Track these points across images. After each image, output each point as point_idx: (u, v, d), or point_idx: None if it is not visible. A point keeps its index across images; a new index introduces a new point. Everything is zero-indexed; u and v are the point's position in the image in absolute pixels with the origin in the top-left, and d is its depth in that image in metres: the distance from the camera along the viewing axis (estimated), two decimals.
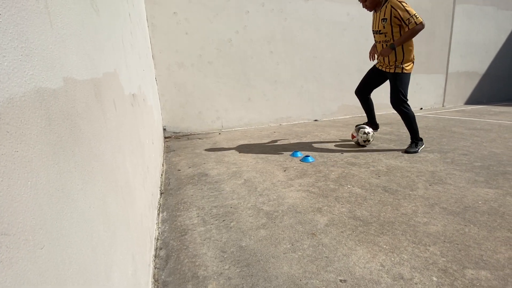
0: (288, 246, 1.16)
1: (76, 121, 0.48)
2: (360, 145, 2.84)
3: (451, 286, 0.91)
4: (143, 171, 1.18)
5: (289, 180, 1.97)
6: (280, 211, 1.48)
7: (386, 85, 5.20)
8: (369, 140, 2.80)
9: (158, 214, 1.51)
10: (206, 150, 3.04)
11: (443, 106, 6.77)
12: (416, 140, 2.63)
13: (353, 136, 2.89)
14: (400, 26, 2.33)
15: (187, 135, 4.11)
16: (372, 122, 3.01)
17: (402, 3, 2.26)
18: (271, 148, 3.01)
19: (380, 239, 1.19)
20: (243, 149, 3.01)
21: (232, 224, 1.36)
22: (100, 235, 0.53)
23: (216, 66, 4.16)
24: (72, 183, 0.44)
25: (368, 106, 2.93)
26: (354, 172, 2.10)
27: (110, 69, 0.76)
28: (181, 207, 1.58)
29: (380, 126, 4.05)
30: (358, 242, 1.18)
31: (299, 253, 1.11)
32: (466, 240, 1.15)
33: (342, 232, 1.26)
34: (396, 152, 2.62)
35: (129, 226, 0.78)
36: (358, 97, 2.91)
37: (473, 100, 7.25)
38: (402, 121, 4.34)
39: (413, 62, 2.48)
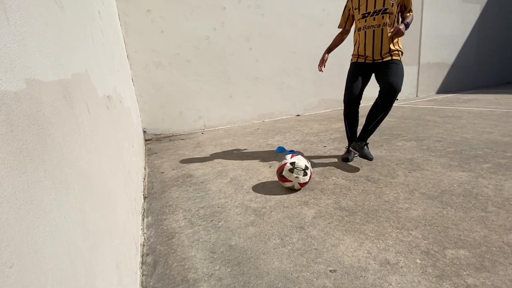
0: (278, 241, 1.16)
1: (44, 126, 0.44)
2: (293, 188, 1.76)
3: (433, 266, 0.95)
4: (123, 176, 1.13)
5: (275, 176, 1.98)
6: (268, 207, 1.48)
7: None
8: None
9: (143, 219, 1.46)
10: (189, 150, 2.98)
11: (416, 96, 7.08)
12: (365, 139, 2.17)
13: (282, 179, 1.69)
14: (401, 9, 2.02)
15: (168, 136, 4.01)
16: (353, 138, 2.26)
17: None
18: (255, 145, 3.01)
19: (366, 227, 1.22)
20: (228, 147, 2.98)
21: (220, 224, 1.34)
22: (79, 247, 0.49)
23: (195, 65, 4.08)
24: (44, 193, 0.41)
25: (356, 118, 2.28)
26: (337, 164, 2.14)
27: (80, 70, 0.72)
28: (167, 211, 1.54)
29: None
30: (345, 231, 1.20)
31: (289, 247, 1.11)
32: (444, 222, 1.21)
33: (329, 223, 1.28)
34: (376, 142, 2.71)
35: (111, 235, 0.75)
36: (350, 107, 2.22)
37: (443, 89, 7.64)
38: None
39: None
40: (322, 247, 1.10)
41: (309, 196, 1.59)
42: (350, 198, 1.52)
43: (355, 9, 2.11)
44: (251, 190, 1.74)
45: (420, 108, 4.81)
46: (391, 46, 2.01)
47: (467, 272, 0.91)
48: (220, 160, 2.51)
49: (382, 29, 1.99)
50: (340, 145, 2.69)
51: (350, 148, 2.26)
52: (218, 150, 2.90)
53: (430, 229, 1.16)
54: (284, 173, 1.63)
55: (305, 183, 1.65)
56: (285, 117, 5.01)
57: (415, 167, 1.92)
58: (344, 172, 1.95)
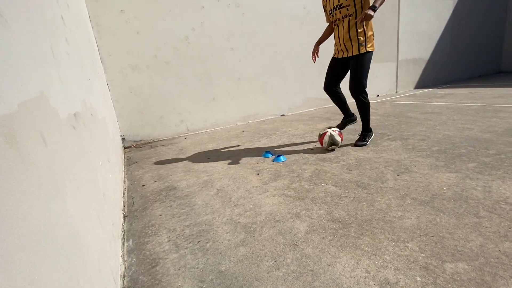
0: (271, 263, 1.09)
1: None
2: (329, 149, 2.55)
3: (434, 284, 0.91)
4: (97, 203, 1.01)
5: (264, 184, 1.91)
6: (258, 222, 1.40)
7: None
8: (335, 143, 2.49)
9: (123, 244, 1.34)
10: (172, 158, 2.84)
11: (396, 91, 7.26)
12: (366, 132, 2.61)
13: (323, 143, 2.53)
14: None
15: (149, 142, 3.83)
16: (347, 115, 2.76)
17: None
18: (241, 149, 2.92)
19: (361, 241, 1.17)
20: (213, 153, 2.87)
21: (208, 245, 1.25)
22: None
23: (174, 67, 3.91)
24: None
25: (339, 100, 2.67)
26: (326, 168, 2.10)
27: (32, 95, 0.60)
28: (149, 232, 1.42)
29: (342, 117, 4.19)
30: (341, 247, 1.15)
31: (283, 270, 1.04)
32: (439, 231, 1.19)
33: (323, 238, 1.22)
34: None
35: (79, 282, 0.64)
36: (327, 93, 2.65)
37: (421, 84, 7.89)
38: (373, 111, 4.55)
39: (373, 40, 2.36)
40: (318, 267, 1.04)
41: (300, 207, 1.53)
42: (342, 207, 1.48)
43: (325, 6, 2.43)
44: (239, 203, 1.65)
45: (401, 105, 4.91)
46: (356, 36, 2.27)
47: None
48: (205, 168, 2.40)
49: (343, 22, 2.29)
50: None
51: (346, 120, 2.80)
52: (203, 156, 2.79)
53: (426, 240, 1.13)
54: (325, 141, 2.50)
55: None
56: (270, 118, 4.95)
57: (403, 170, 1.92)
58: (334, 177, 1.91)
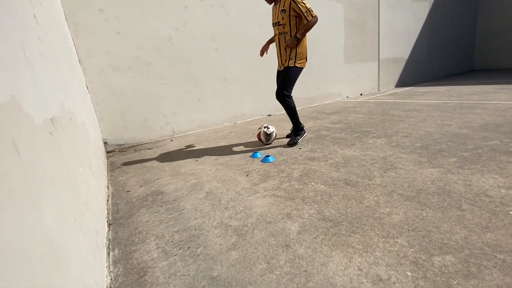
0: (264, 266, 1.07)
1: None
2: (266, 143, 2.92)
3: (424, 278, 0.93)
4: (79, 212, 0.96)
5: (254, 185, 1.89)
6: (249, 225, 1.38)
7: (326, 76, 5.40)
8: (270, 137, 2.88)
9: (108, 254, 1.28)
10: (158, 161, 2.77)
11: (378, 90, 7.47)
12: (298, 130, 2.85)
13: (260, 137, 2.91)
14: (297, 18, 2.48)
15: (133, 146, 3.71)
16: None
17: None
18: (229, 151, 2.88)
19: (353, 239, 1.18)
20: (200, 155, 2.82)
21: (199, 250, 1.22)
22: None
23: (158, 67, 3.81)
24: None
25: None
26: (314, 167, 2.11)
27: (0, 100, 0.55)
28: (136, 239, 1.37)
29: (328, 116, 4.26)
30: (333, 246, 1.15)
31: (277, 273, 1.03)
32: (426, 225, 1.22)
33: (315, 237, 1.22)
34: (348, 141, 2.75)
35: None
36: (279, 101, 2.81)
37: (401, 83, 8.15)
38: (349, 109, 4.65)
39: (306, 59, 2.66)
40: (312, 267, 1.04)
41: (291, 207, 1.52)
42: (332, 206, 1.49)
43: (272, 17, 2.66)
44: (229, 205, 1.63)
45: (384, 103, 5.04)
46: (287, 52, 2.56)
47: (457, 281, 0.90)
48: (193, 171, 2.35)
49: (280, 38, 2.58)
50: (314, 146, 2.68)
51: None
52: (190, 159, 2.73)
53: (414, 235, 1.16)
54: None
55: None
56: (257, 118, 4.94)
57: (389, 166, 1.96)
58: (323, 176, 1.92)
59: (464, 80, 7.76)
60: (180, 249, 1.24)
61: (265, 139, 2.87)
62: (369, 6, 6.62)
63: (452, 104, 4.16)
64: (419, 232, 1.18)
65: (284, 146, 2.82)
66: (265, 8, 4.71)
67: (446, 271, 0.95)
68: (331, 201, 1.54)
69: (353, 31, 6.37)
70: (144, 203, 1.82)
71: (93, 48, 3.31)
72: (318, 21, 2.50)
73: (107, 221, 1.60)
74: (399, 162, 2.02)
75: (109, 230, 1.50)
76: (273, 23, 2.65)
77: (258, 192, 1.76)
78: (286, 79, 2.63)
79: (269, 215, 1.46)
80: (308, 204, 1.54)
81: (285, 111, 2.85)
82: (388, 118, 3.64)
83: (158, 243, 1.31)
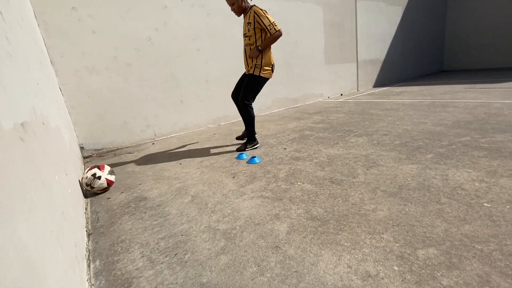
0: (255, 269, 1.06)
1: None
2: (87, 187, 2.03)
3: (411, 272, 0.96)
4: (55, 224, 0.89)
5: (240, 187, 1.87)
6: (238, 227, 1.37)
7: (308, 77, 5.46)
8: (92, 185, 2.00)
9: (89, 266, 1.21)
10: (140, 166, 2.67)
11: (357, 90, 7.70)
12: (251, 140, 2.82)
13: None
14: (262, 31, 2.54)
15: (112, 150, 3.56)
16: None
17: (263, 11, 2.52)
18: (214, 153, 2.84)
19: (341, 237, 1.20)
20: (184, 158, 2.76)
21: (186, 257, 1.18)
22: None
23: (137, 68, 3.69)
24: None
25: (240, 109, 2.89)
26: (300, 167, 2.13)
27: None
28: (119, 249, 1.30)
29: (311, 116, 4.33)
30: (322, 245, 1.16)
31: (268, 275, 1.02)
32: (409, 220, 1.26)
33: (304, 237, 1.22)
34: (331, 140, 2.80)
35: None
36: (233, 101, 2.92)
37: (378, 83, 8.47)
38: (331, 109, 4.75)
39: (272, 70, 2.70)
40: (302, 268, 1.04)
41: (279, 207, 1.52)
42: (319, 204, 1.50)
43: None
44: (216, 208, 1.60)
45: (363, 102, 5.21)
46: (251, 62, 2.65)
47: (441, 273, 0.94)
48: (177, 174, 2.29)
49: (247, 49, 2.67)
50: (299, 146, 2.71)
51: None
52: (174, 162, 2.66)
53: (399, 230, 1.20)
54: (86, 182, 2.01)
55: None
56: (240, 119, 4.92)
57: (371, 164, 2.02)
58: (309, 175, 1.94)
59: (435, 80, 8.20)
60: (166, 256, 1.20)
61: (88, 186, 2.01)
62: (347, 9, 6.82)
63: (426, 103, 4.37)
64: (403, 227, 1.22)
65: (270, 146, 2.83)
66: None
67: (430, 264, 0.98)
68: (318, 200, 1.56)
69: (332, 33, 6.53)
70: (126, 210, 1.74)
71: (67, 49, 3.14)
72: (281, 34, 2.53)
73: (86, 231, 1.51)
74: (380, 160, 2.08)
75: (88, 241, 1.42)
76: (243, 33, 2.72)
77: (245, 194, 1.75)
78: (249, 87, 2.66)
79: (257, 216, 1.45)
80: (296, 204, 1.54)
81: (241, 117, 2.80)
82: (368, 117, 3.76)
83: (143, 252, 1.25)
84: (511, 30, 9.95)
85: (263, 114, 5.24)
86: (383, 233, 1.19)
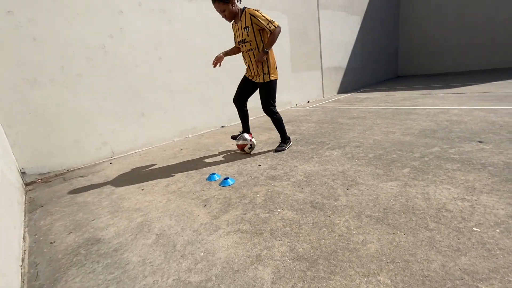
0: None
1: None
2: (247, 152, 2.92)
3: None
4: None
5: (214, 219, 1.65)
6: (213, 278, 1.15)
7: (277, 85, 5.28)
8: (253, 147, 2.90)
9: None
10: (93, 194, 2.31)
11: (323, 97, 7.89)
12: (284, 139, 2.95)
13: (241, 147, 2.90)
14: (261, 32, 2.49)
15: (61, 174, 3.09)
16: (246, 130, 3.09)
17: (257, 10, 2.44)
18: (182, 173, 2.58)
19: (333, 282, 1.06)
20: (147, 181, 2.45)
21: None
22: None
23: (89, 80, 3.28)
24: None
25: (244, 115, 3.01)
26: (278, 188, 1.98)
27: None
28: None
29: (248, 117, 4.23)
30: None
31: None
32: (402, 253, 1.17)
33: (293, 286, 1.06)
34: (305, 154, 2.71)
35: None
36: (236, 106, 2.95)
37: (342, 89, 8.79)
38: (300, 118, 4.73)
39: (277, 69, 2.73)
40: None
41: (260, 245, 1.34)
42: (304, 238, 1.36)
43: (234, 34, 2.66)
44: (187, 251, 1.37)
45: (330, 110, 5.29)
46: (259, 68, 2.58)
47: None
48: (138, 204, 1.99)
49: (250, 54, 2.57)
50: (274, 162, 2.57)
51: (245, 136, 2.93)
52: (135, 187, 2.35)
53: (394, 269, 1.09)
54: (245, 149, 2.90)
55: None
56: (209, 130, 4.68)
57: (350, 182, 1.94)
58: (288, 199, 1.79)
59: (393, 86, 8.75)
60: None
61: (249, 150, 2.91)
62: (310, 17, 6.97)
63: (390, 110, 4.55)
64: (398, 263, 1.11)
65: (244, 162, 2.64)
66: (212, 16, 4.51)
67: None
68: (302, 231, 1.41)
69: (298, 41, 6.60)
70: (74, 259, 1.42)
71: (2, 58, 2.66)
72: (281, 29, 2.48)
73: None
74: (358, 177, 2.02)
75: None
76: (237, 41, 2.62)
77: (220, 228, 1.54)
78: (267, 95, 2.67)
79: (236, 260, 1.25)
80: (278, 238, 1.38)
81: (240, 119, 2.98)
82: (338, 126, 3.78)
83: None
84: (455, 37, 11.10)
85: (233, 124, 5.06)
86: (378, 274, 1.07)
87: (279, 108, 6.09)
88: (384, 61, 11.63)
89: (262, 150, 3.02)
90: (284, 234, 1.41)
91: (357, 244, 1.26)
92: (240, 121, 3.12)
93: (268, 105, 2.70)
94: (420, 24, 11.90)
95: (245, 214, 1.67)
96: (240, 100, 2.89)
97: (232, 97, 2.91)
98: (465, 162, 2.03)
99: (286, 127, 4.16)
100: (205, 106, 4.64)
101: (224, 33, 4.75)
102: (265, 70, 2.59)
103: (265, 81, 2.62)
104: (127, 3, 3.49)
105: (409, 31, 12.32)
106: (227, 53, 2.78)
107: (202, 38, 4.43)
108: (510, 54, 9.98)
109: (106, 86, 3.42)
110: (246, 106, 2.97)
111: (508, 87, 5.43)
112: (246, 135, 2.86)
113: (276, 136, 3.64)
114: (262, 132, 4.05)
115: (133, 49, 3.61)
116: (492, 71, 9.20)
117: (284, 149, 2.90)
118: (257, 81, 2.68)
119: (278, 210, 1.67)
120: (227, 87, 4.95)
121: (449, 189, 1.66)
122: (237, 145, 2.90)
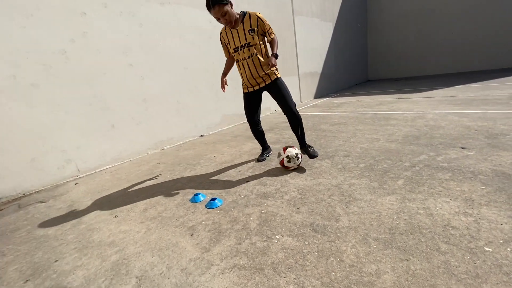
0: None
1: None
2: (292, 167, 2.47)
3: None
4: None
5: (204, 252, 1.45)
6: None
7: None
8: (291, 158, 2.42)
9: None
10: (56, 225, 1.97)
11: (301, 102, 7.93)
12: (306, 143, 2.69)
13: (281, 164, 2.46)
14: (260, 36, 2.39)
15: (16, 199, 2.66)
16: (264, 147, 2.99)
17: (261, 14, 2.37)
18: (160, 193, 2.32)
19: None
20: (121, 205, 2.16)
21: None
22: None
23: (47, 90, 2.88)
24: None
25: (260, 135, 2.87)
26: (272, 209, 1.82)
27: None
28: None
29: (265, 134, 4.11)
30: None
31: None
32: (422, 285, 1.06)
33: None
34: None
35: None
36: (250, 125, 2.77)
37: (318, 94, 8.93)
38: (281, 125, 4.63)
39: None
40: None
41: (263, 284, 1.17)
42: (311, 272, 1.21)
43: (227, 43, 2.45)
44: None
45: (311, 116, 5.27)
46: (266, 71, 2.41)
47: None
48: (112, 236, 1.72)
49: (253, 59, 2.38)
50: (261, 178, 2.41)
51: (264, 153, 2.94)
52: (106, 213, 2.05)
53: None
54: (286, 164, 2.43)
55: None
56: (188, 140, 4.40)
57: (347, 198, 1.84)
58: (285, 222, 1.64)
59: (365, 90, 9.07)
60: None
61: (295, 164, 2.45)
62: (286, 23, 6.97)
63: (369, 115, 4.62)
64: None
65: (230, 178, 2.44)
66: (187, 20, 4.26)
67: None
68: (308, 263, 1.26)
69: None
70: None
71: None
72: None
73: None
74: (354, 191, 1.93)
75: None
76: (236, 47, 2.38)
77: (213, 265, 1.34)
78: (284, 92, 2.47)
79: None
80: (283, 275, 1.21)
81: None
82: (322, 134, 3.73)
83: None
84: (415, 44, 11.86)
85: (213, 132, 4.82)
86: None
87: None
88: (355, 66, 12.08)
89: (249, 164, 2.84)
90: (288, 268, 1.25)
91: (371, 276, 1.14)
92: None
93: (291, 104, 2.47)
94: (386, 31, 12.57)
95: (239, 244, 1.48)
96: (254, 116, 2.70)
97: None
98: (455, 170, 2.04)
99: (269, 135, 4.04)
100: (182, 115, 4.36)
101: (200, 40, 4.53)
102: (272, 70, 2.47)
103: (277, 77, 2.49)
104: (90, 4, 3.15)
105: (376, 38, 12.96)
106: (225, 73, 2.66)
107: (177, 43, 4.17)
108: (468, 59, 10.88)
109: (68, 97, 3.04)
110: (261, 125, 2.82)
111: (470, 90, 5.83)
112: (280, 151, 2.50)
113: (269, 136, 3.49)
114: (245, 141, 3.88)
115: (99, 55, 3.26)
116: (452, 75, 9.94)
117: (316, 155, 2.58)
118: (267, 82, 2.48)
119: (277, 236, 1.51)
120: (205, 95, 4.72)
121: (449, 202, 1.62)
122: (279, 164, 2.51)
